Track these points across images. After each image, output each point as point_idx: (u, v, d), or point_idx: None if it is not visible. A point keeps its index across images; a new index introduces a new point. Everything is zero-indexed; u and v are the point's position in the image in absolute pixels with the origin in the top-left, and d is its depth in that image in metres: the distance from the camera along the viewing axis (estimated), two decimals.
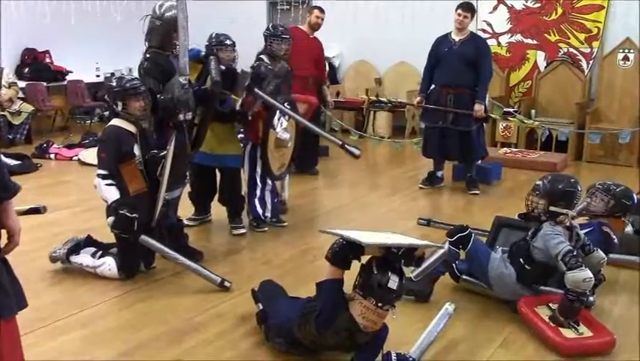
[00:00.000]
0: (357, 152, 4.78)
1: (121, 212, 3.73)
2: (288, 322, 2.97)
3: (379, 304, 2.67)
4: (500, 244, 4.05)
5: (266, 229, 4.96)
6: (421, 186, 6.38)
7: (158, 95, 3.99)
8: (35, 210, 3.17)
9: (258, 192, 4.96)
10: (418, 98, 6.32)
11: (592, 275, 3.26)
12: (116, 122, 3.89)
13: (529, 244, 3.52)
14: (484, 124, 6.42)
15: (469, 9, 6.04)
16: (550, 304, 3.44)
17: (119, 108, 3.85)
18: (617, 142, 7.43)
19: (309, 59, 6.61)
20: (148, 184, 3.89)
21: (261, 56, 5.48)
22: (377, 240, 2.82)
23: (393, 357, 2.84)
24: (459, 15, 6.02)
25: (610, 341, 3.19)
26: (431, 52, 6.22)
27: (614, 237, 3.93)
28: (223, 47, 4.65)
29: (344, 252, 2.79)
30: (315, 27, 6.72)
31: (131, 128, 3.87)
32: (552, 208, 3.49)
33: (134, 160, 3.83)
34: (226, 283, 3.81)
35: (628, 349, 3.24)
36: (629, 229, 4.37)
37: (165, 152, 3.82)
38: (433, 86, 6.22)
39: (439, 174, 6.42)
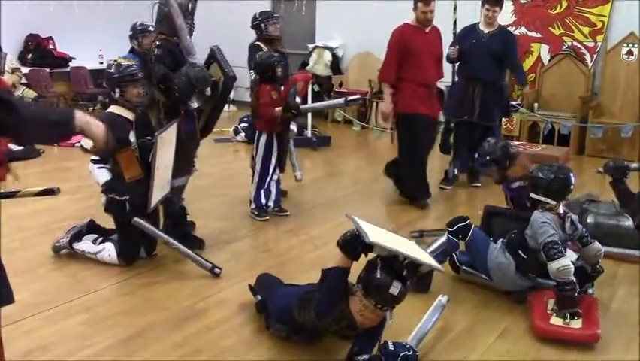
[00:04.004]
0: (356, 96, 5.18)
1: (110, 195, 3.82)
2: (289, 307, 2.99)
3: (378, 306, 2.67)
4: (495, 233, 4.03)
5: (267, 218, 4.97)
6: (441, 186, 6.11)
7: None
8: (49, 192, 3.21)
9: (266, 183, 4.97)
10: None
11: (567, 262, 3.27)
12: (113, 109, 3.90)
13: (524, 232, 3.54)
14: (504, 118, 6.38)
15: (497, 3, 5.87)
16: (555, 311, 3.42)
17: (117, 95, 3.86)
18: (619, 136, 7.43)
19: (431, 60, 5.40)
20: (144, 171, 3.87)
21: (257, 43, 5.47)
22: (384, 242, 2.74)
23: (390, 345, 2.86)
24: (487, 10, 5.86)
25: (592, 335, 3.19)
26: (455, 43, 6.00)
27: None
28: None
29: (354, 242, 2.75)
30: (424, 23, 5.35)
31: (129, 115, 3.87)
32: (532, 195, 3.52)
33: (130, 147, 3.84)
34: (216, 270, 3.84)
35: (625, 342, 3.27)
36: (629, 223, 4.37)
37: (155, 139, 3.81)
38: (456, 78, 6.08)
39: (456, 170, 6.21)
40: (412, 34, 5.32)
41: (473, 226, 3.77)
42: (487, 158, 4.16)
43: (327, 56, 9.68)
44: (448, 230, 3.78)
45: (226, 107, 6.82)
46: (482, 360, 3.07)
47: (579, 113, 7.83)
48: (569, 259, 3.31)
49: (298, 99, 5.25)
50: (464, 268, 3.83)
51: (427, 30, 5.38)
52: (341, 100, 5.21)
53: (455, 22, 6.16)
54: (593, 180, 4.88)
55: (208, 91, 4.13)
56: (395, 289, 2.62)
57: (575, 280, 3.30)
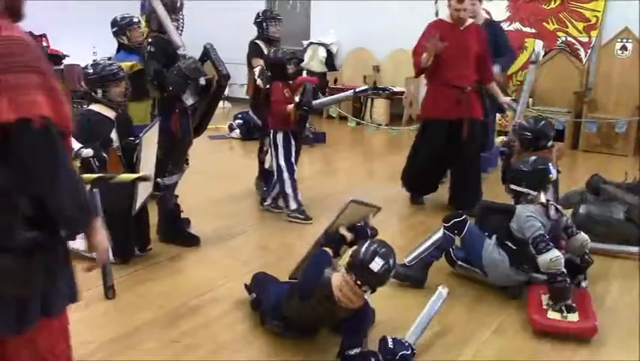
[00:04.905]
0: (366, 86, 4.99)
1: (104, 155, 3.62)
2: (280, 302, 3.02)
3: (358, 282, 2.69)
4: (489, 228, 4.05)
5: (311, 221, 4.89)
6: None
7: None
8: (143, 178, 3.39)
9: (295, 180, 4.93)
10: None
11: (558, 254, 3.31)
12: (94, 107, 3.83)
13: (510, 224, 3.58)
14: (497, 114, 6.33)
15: None
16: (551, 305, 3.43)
17: (100, 95, 3.79)
18: (613, 131, 7.45)
19: (465, 60, 4.96)
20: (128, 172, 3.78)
21: (256, 42, 5.49)
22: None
23: (390, 342, 2.86)
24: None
25: (590, 328, 3.21)
26: None
27: None
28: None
29: (333, 238, 3.13)
30: (458, 21, 4.94)
31: (110, 114, 3.83)
32: (512, 187, 3.61)
33: (111, 146, 3.79)
34: (109, 294, 3.53)
35: (620, 336, 3.28)
36: (621, 216, 4.39)
37: (139, 139, 3.74)
38: None
39: None
40: (445, 30, 4.89)
41: (469, 221, 3.78)
42: (530, 135, 4.19)
43: (322, 53, 9.68)
44: (444, 225, 3.79)
45: (221, 103, 6.81)
46: (477, 356, 3.07)
47: (573, 108, 7.86)
48: (557, 251, 3.34)
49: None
50: (459, 263, 3.83)
51: (463, 28, 4.97)
52: (350, 92, 5.23)
53: None
54: (588, 174, 4.89)
55: (202, 81, 4.12)
56: (376, 265, 2.67)
57: (565, 271, 3.32)
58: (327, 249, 3.05)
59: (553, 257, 3.29)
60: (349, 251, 2.93)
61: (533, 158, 3.69)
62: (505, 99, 5.31)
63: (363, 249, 2.73)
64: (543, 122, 4.35)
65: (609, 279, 3.97)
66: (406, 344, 2.90)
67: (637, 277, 3.98)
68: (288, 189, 4.88)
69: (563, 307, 3.28)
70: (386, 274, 2.72)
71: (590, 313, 3.30)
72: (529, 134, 4.20)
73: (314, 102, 4.92)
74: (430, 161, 5.17)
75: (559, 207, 3.61)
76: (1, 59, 1.56)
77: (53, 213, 1.71)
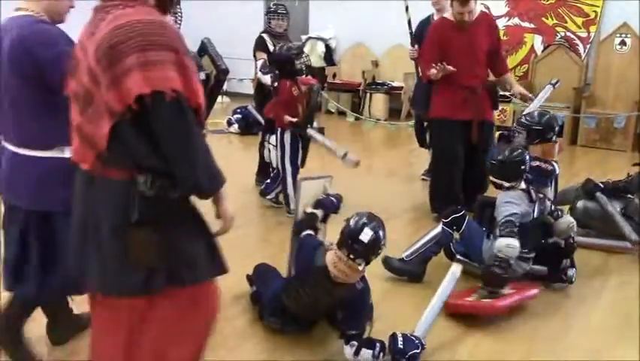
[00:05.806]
0: (355, 159, 4.80)
1: None
2: (278, 297, 3.02)
3: (351, 256, 2.71)
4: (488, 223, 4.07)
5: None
6: (423, 177, 6.02)
7: None
8: None
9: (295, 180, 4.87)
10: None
11: (517, 244, 3.35)
12: None
13: (494, 215, 3.63)
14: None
15: None
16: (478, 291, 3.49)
17: None
18: (611, 127, 7.46)
19: (472, 59, 4.71)
20: None
21: (262, 35, 5.49)
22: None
23: (399, 341, 2.85)
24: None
25: (493, 306, 3.26)
26: (413, 43, 5.80)
27: (547, 166, 4.03)
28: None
29: (307, 221, 3.21)
30: (461, 24, 4.64)
31: None
32: (491, 178, 3.71)
33: None
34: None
35: (617, 330, 3.29)
36: (616, 209, 4.39)
37: None
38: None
39: None
40: (449, 30, 4.70)
41: (467, 217, 3.79)
42: (537, 127, 4.17)
43: (321, 47, 9.67)
44: (443, 221, 3.79)
45: (219, 98, 6.82)
46: (474, 354, 3.08)
47: (572, 103, 7.86)
48: (517, 243, 3.36)
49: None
50: (458, 257, 3.83)
51: (466, 28, 4.67)
52: (342, 152, 4.87)
53: (409, 22, 6.09)
54: (586, 170, 4.91)
55: (202, 75, 4.11)
56: (366, 236, 2.70)
57: (512, 263, 3.38)
58: (308, 232, 3.11)
59: (511, 244, 3.34)
60: (326, 225, 3.19)
61: (509, 149, 3.74)
62: (520, 89, 5.12)
63: (352, 223, 2.77)
64: (549, 115, 4.33)
65: (606, 274, 3.98)
66: (416, 341, 2.87)
67: (634, 272, 3.99)
68: (290, 191, 4.85)
69: (486, 292, 3.34)
70: (377, 243, 2.73)
71: (509, 297, 3.32)
72: (535, 126, 4.18)
73: (309, 131, 4.77)
74: (447, 163, 4.90)
75: (547, 196, 3.69)
76: (143, 38, 1.71)
77: (185, 185, 1.87)
